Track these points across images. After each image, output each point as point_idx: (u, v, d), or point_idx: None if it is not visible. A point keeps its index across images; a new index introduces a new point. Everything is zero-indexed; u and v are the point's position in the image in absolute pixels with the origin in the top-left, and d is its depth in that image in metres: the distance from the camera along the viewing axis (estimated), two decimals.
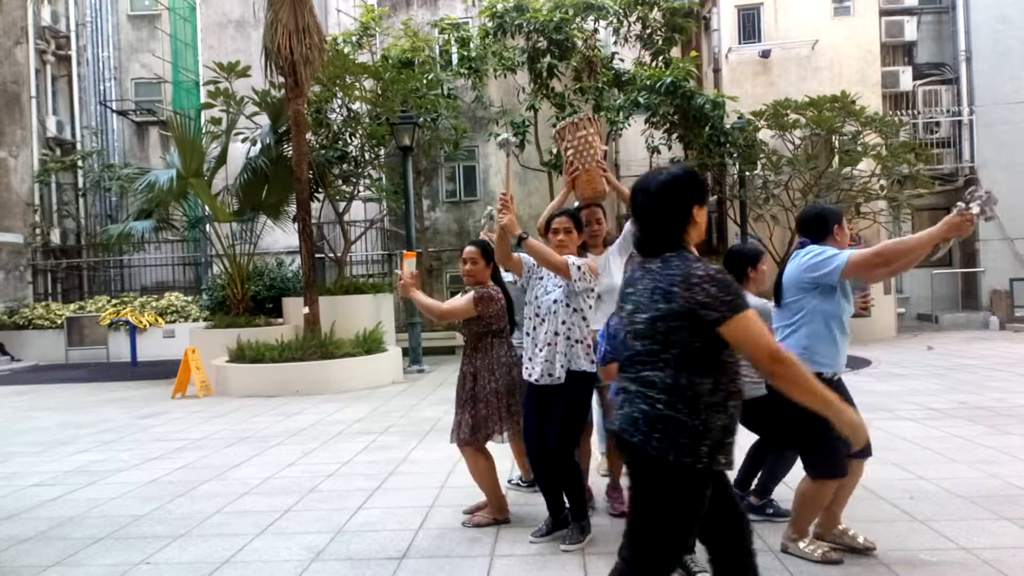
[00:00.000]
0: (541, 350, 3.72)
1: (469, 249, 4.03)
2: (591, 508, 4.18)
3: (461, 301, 3.96)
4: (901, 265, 3.23)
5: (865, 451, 3.45)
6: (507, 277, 4.26)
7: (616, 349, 3.17)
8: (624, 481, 4.28)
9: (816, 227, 3.49)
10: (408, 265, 4.03)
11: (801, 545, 3.49)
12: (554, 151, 13.97)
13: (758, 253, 4.00)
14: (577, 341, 3.70)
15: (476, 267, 4.00)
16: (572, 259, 3.68)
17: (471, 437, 3.96)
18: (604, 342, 3.32)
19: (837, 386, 3.42)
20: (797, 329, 3.39)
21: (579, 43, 14.46)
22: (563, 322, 3.70)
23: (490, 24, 14.46)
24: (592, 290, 3.77)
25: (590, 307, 3.78)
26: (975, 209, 2.93)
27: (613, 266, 4.22)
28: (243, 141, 12.53)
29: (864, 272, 3.25)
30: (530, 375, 3.77)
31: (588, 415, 3.96)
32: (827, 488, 3.41)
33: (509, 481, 4.81)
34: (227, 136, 12.21)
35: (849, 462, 3.41)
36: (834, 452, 3.30)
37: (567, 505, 3.82)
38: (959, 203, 2.98)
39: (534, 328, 3.81)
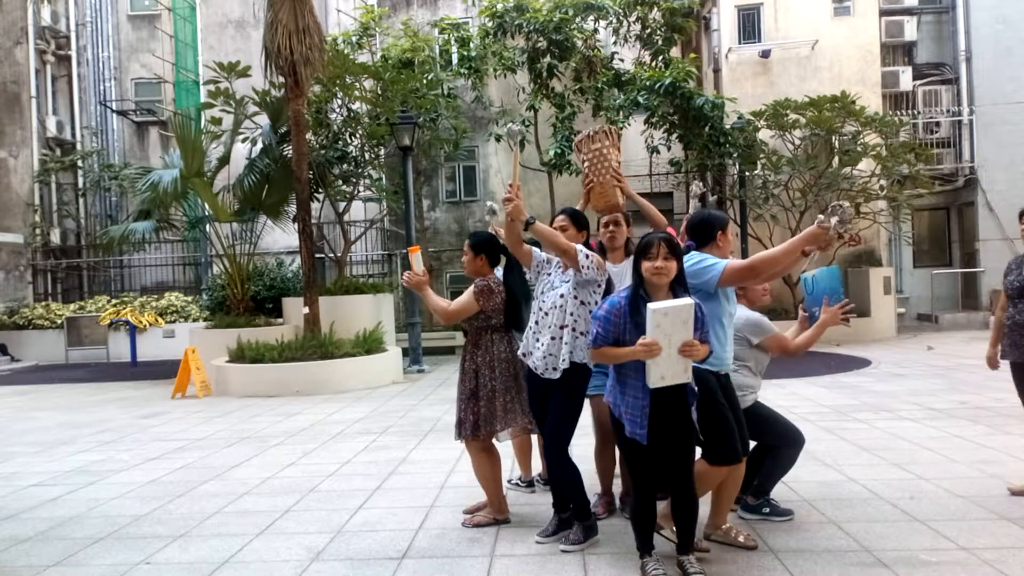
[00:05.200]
0: (543, 344, 3.75)
1: (466, 244, 4.11)
2: (608, 513, 4.17)
3: (465, 298, 3.98)
4: (772, 274, 3.50)
5: (746, 449, 3.63)
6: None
7: (608, 331, 3.20)
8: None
9: (700, 233, 3.61)
10: (416, 261, 4.04)
11: (725, 530, 3.66)
12: (552, 152, 13.99)
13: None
14: (582, 333, 3.72)
15: (467, 258, 4.08)
16: (581, 247, 3.70)
17: (473, 434, 3.97)
18: (596, 323, 3.26)
19: (725, 381, 3.55)
20: None
21: (579, 43, 14.47)
22: (571, 314, 3.71)
23: (490, 24, 14.47)
24: (599, 284, 3.77)
25: (596, 303, 3.79)
26: (833, 222, 3.06)
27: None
28: (243, 141, 12.54)
29: (738, 282, 3.47)
30: (534, 366, 3.80)
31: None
32: (719, 473, 3.53)
33: (508, 481, 4.81)
34: (232, 136, 12.22)
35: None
36: (728, 437, 3.45)
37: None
38: (820, 215, 3.13)
39: (536, 322, 3.84)
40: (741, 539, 3.65)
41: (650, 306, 3.04)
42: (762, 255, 3.37)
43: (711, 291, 3.45)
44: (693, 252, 3.54)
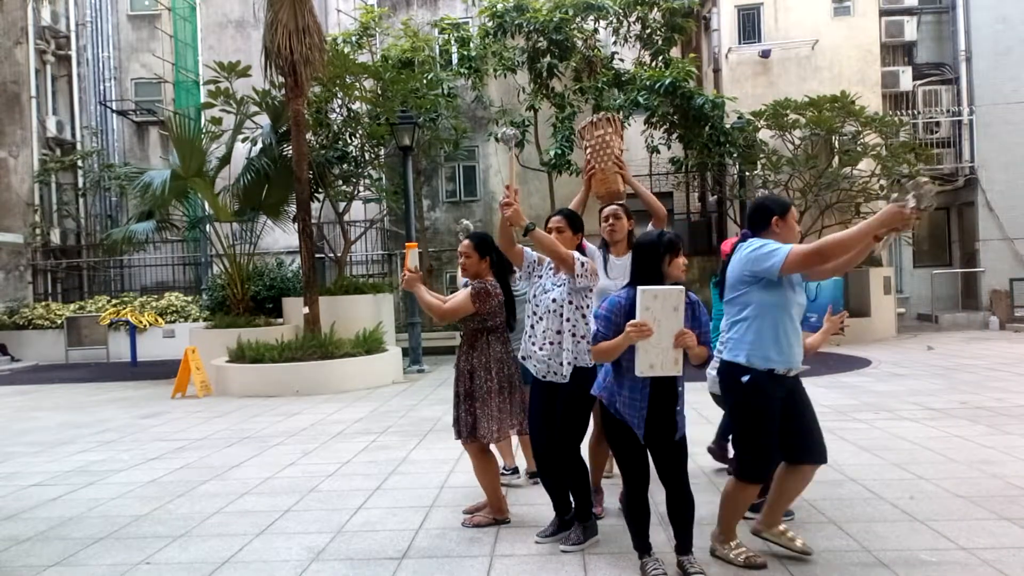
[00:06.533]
0: (541, 348, 3.75)
1: (464, 243, 4.05)
2: (601, 513, 4.18)
3: (459, 298, 3.95)
4: (844, 262, 3.23)
5: (819, 456, 3.39)
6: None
7: (608, 329, 3.19)
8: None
9: (755, 218, 3.40)
10: (411, 257, 4.03)
11: (725, 550, 3.42)
12: (552, 152, 14.00)
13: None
14: (582, 337, 3.72)
15: (470, 260, 3.99)
16: (577, 255, 3.71)
17: (472, 436, 3.96)
18: (596, 323, 3.25)
19: (792, 384, 3.34)
20: (745, 324, 3.28)
21: (579, 43, 14.47)
22: (567, 319, 3.72)
23: (490, 24, 14.47)
24: (591, 290, 3.78)
25: (588, 306, 3.80)
26: (911, 202, 2.87)
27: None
28: (243, 141, 12.55)
29: (804, 268, 3.19)
30: (535, 370, 3.80)
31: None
32: (749, 492, 3.37)
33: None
34: (233, 136, 12.22)
35: (800, 466, 3.38)
36: (762, 458, 3.28)
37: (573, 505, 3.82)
38: (894, 194, 2.97)
39: (532, 326, 3.84)
40: (799, 544, 3.45)
41: (640, 288, 3.03)
42: (831, 238, 3.07)
43: (774, 278, 3.19)
44: (751, 239, 3.33)
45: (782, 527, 3.51)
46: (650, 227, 4.24)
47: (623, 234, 4.25)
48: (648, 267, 3.21)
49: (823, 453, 3.40)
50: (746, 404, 3.27)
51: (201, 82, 16.87)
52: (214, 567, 3.68)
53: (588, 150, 4.32)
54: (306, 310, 10.43)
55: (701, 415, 6.47)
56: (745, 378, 3.23)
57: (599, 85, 14.12)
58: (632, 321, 3.02)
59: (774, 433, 3.26)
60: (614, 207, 4.26)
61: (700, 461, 5.05)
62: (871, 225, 2.97)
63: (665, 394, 3.19)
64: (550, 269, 3.84)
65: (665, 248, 3.19)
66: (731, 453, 4.09)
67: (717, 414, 4.37)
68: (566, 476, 3.78)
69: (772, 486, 3.48)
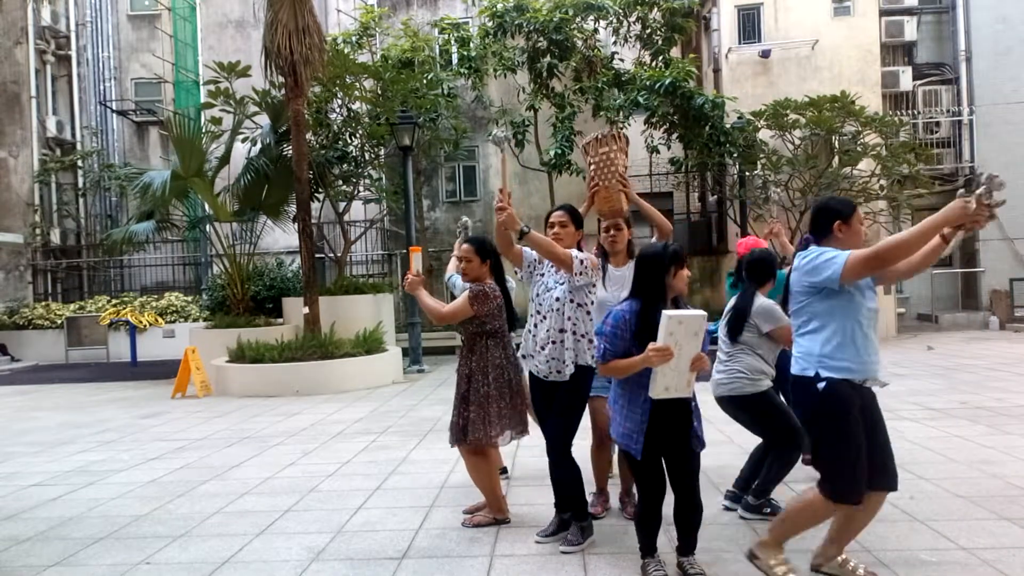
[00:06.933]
0: (544, 348, 3.74)
1: (464, 247, 4.03)
2: (605, 511, 4.19)
3: (458, 302, 3.95)
4: (915, 263, 3.04)
5: (891, 480, 3.15)
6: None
7: (616, 346, 3.18)
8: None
9: (818, 223, 3.15)
10: (416, 261, 4.04)
11: (771, 562, 3.21)
12: (552, 152, 14.00)
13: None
14: (582, 335, 3.72)
15: (471, 264, 3.97)
16: (575, 252, 3.70)
17: (462, 439, 3.95)
18: (601, 339, 3.20)
19: (866, 395, 3.09)
20: (813, 335, 3.07)
21: (579, 43, 14.48)
22: (568, 318, 3.71)
23: (490, 24, 14.48)
24: (593, 285, 3.78)
25: (592, 302, 3.79)
26: (981, 191, 2.70)
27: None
28: (243, 141, 12.55)
29: (865, 274, 2.95)
30: (537, 371, 3.80)
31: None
32: (831, 512, 3.11)
33: None
34: (232, 136, 12.23)
35: (872, 493, 3.11)
36: (856, 472, 3.00)
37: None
38: (961, 190, 2.80)
39: (535, 325, 3.83)
40: (861, 572, 3.20)
41: (665, 313, 3.02)
42: (890, 240, 2.89)
43: (836, 288, 2.97)
44: (812, 247, 3.11)
45: (840, 558, 3.25)
46: (653, 240, 4.25)
47: (623, 245, 4.24)
48: (652, 279, 3.18)
49: (895, 477, 3.16)
50: (824, 412, 3.02)
51: (201, 82, 16.87)
52: (214, 567, 3.68)
53: (592, 167, 4.30)
54: (306, 310, 10.43)
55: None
56: (821, 385, 3.01)
57: (599, 85, 14.12)
58: (655, 345, 3.00)
59: (861, 442, 3.00)
60: (615, 218, 4.26)
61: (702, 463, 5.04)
62: (933, 223, 2.79)
63: (673, 411, 3.17)
64: (551, 267, 3.84)
65: (670, 260, 3.17)
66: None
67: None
68: (557, 475, 3.79)
69: (837, 516, 3.19)
